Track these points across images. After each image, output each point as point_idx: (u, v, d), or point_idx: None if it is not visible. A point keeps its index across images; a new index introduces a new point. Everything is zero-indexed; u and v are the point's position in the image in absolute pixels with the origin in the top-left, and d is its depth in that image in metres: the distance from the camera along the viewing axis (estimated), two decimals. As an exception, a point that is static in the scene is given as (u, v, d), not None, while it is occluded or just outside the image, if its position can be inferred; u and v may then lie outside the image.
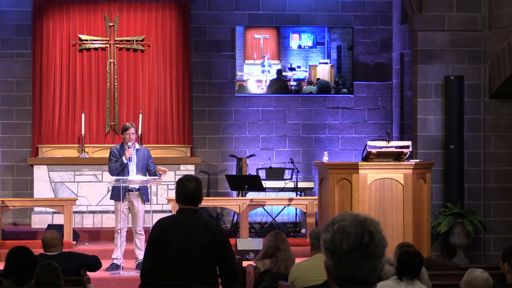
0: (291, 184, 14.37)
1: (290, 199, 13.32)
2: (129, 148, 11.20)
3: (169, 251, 5.98)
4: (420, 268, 6.69)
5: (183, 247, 5.98)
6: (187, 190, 6.10)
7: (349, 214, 2.70)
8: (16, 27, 14.70)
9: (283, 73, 15.10)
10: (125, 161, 11.19)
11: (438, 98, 12.90)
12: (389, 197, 10.28)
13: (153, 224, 6.32)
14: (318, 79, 15.09)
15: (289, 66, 15.10)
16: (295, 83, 15.08)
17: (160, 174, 11.20)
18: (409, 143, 10.91)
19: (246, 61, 15.07)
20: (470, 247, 12.80)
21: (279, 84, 15.08)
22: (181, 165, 14.30)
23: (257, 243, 11.97)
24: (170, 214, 13.05)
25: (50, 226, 13.04)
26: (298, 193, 14.26)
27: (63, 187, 14.06)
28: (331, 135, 15.20)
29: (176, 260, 5.98)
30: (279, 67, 15.10)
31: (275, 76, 15.05)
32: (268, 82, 15.05)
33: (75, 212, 13.16)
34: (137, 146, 11.35)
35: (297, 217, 14.41)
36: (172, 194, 13.90)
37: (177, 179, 6.24)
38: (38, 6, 14.63)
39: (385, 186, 10.28)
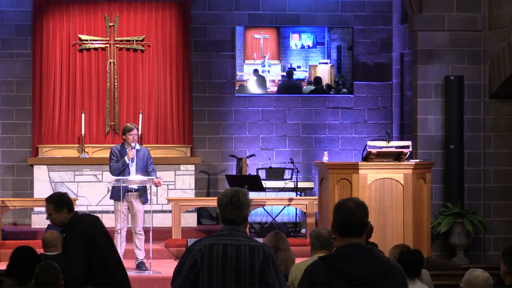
0: (291, 184, 14.37)
1: (290, 199, 13.31)
2: (132, 148, 11.21)
3: (101, 252, 6.68)
4: (421, 265, 6.69)
5: (107, 243, 6.78)
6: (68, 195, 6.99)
7: (232, 187, 4.97)
8: (16, 27, 14.70)
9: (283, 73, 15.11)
10: (128, 162, 11.18)
11: (438, 98, 12.90)
12: (389, 197, 10.28)
13: (76, 236, 6.60)
14: (317, 77, 15.09)
15: (289, 66, 15.10)
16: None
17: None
18: (409, 143, 10.91)
19: (246, 61, 15.07)
20: (470, 247, 12.80)
21: (260, 82, 15.08)
22: (181, 165, 14.29)
23: (257, 243, 11.95)
24: (170, 213, 13.08)
25: (50, 226, 13.03)
26: (298, 193, 14.26)
27: (63, 187, 14.05)
28: (331, 135, 15.20)
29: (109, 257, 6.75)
30: (279, 67, 15.11)
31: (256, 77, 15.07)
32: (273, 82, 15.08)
33: (75, 212, 13.14)
34: (138, 146, 11.35)
35: (297, 217, 14.41)
36: (172, 194, 13.92)
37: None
38: (38, 6, 14.62)
39: (385, 186, 10.29)
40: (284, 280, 4.89)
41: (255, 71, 15.02)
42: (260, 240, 11.80)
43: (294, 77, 15.10)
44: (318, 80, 15.08)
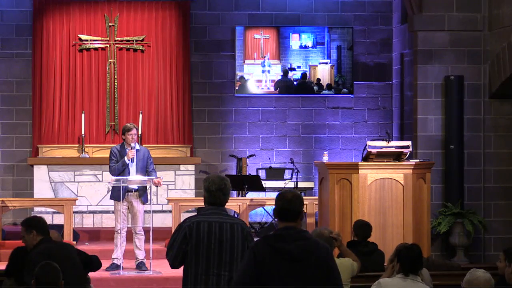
0: (291, 184, 14.37)
1: (290, 199, 13.28)
2: (132, 148, 11.20)
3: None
4: (421, 259, 6.69)
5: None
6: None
7: (216, 175, 5.88)
8: (16, 27, 14.70)
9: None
10: (127, 162, 11.18)
11: (438, 98, 12.90)
12: (389, 197, 10.27)
13: (38, 252, 6.69)
14: (319, 79, 15.09)
15: (289, 66, 15.10)
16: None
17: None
18: (409, 143, 10.90)
19: (246, 61, 15.07)
20: (470, 247, 12.80)
21: (248, 86, 15.10)
22: (181, 165, 14.30)
23: (257, 243, 11.95)
24: (170, 213, 13.08)
25: (50, 226, 13.02)
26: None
27: (63, 187, 14.06)
28: (331, 135, 15.20)
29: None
30: (279, 67, 15.11)
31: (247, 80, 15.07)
32: (270, 82, 15.07)
33: (75, 212, 13.16)
34: (137, 146, 11.35)
35: (297, 217, 14.39)
36: (172, 194, 13.92)
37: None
38: (38, 6, 14.62)
39: (385, 186, 10.28)
40: None
41: (241, 78, 15.02)
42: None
43: (294, 77, 15.10)
44: (304, 75, 15.05)
